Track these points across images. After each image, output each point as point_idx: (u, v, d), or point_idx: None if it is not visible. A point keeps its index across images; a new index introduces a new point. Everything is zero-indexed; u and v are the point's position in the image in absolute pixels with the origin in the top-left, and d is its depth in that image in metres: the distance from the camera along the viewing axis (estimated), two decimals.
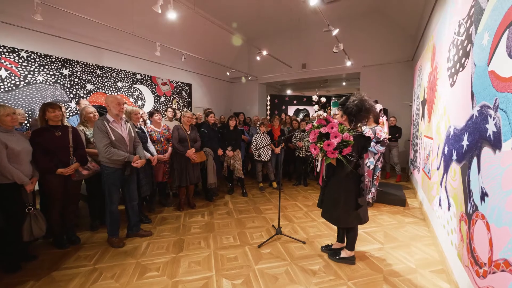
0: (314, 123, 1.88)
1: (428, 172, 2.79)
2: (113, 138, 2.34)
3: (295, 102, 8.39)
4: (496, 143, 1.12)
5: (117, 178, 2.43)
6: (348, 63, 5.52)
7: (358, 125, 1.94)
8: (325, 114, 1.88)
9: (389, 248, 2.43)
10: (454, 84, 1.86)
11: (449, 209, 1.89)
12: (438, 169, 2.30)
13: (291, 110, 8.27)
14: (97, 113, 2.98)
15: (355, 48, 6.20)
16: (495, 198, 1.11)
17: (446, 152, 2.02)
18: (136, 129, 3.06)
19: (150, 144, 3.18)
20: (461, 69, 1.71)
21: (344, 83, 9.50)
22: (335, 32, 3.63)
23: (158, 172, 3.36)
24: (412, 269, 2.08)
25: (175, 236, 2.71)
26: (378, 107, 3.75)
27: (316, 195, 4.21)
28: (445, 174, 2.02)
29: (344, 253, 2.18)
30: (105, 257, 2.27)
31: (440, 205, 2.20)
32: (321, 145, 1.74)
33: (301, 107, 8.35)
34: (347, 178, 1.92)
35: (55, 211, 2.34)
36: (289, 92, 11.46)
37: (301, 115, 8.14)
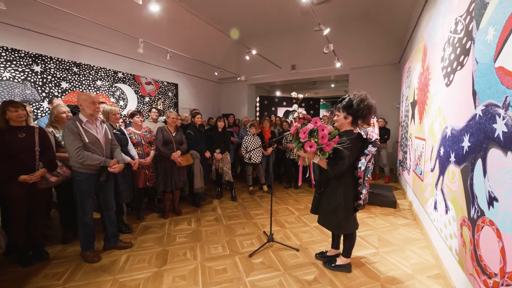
0: (296, 124, 1.76)
1: (421, 174, 2.76)
2: (87, 141, 2.10)
3: (284, 103, 8.32)
4: (507, 144, 1.04)
5: (91, 185, 2.18)
6: (338, 65, 5.52)
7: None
8: (304, 112, 1.77)
9: (384, 253, 2.35)
10: (451, 83, 1.81)
11: (446, 212, 1.83)
12: (432, 170, 2.26)
13: (280, 111, 8.18)
14: (70, 114, 2.70)
15: (344, 50, 6.22)
16: (507, 204, 1.03)
17: (442, 153, 1.97)
18: (114, 131, 2.82)
19: (131, 147, 2.94)
20: (459, 67, 1.66)
21: (332, 85, 9.58)
22: (326, 31, 3.56)
23: (139, 178, 3.12)
24: (409, 275, 2.00)
25: (159, 247, 2.49)
26: None
27: (308, 198, 4.11)
28: (442, 176, 1.96)
29: (340, 261, 2.07)
30: (77, 275, 2.02)
31: (435, 207, 2.15)
32: (317, 140, 1.62)
33: (290, 109, 8.28)
34: (345, 182, 1.81)
35: (18, 225, 2.05)
36: (278, 93, 11.42)
37: (290, 117, 8.09)
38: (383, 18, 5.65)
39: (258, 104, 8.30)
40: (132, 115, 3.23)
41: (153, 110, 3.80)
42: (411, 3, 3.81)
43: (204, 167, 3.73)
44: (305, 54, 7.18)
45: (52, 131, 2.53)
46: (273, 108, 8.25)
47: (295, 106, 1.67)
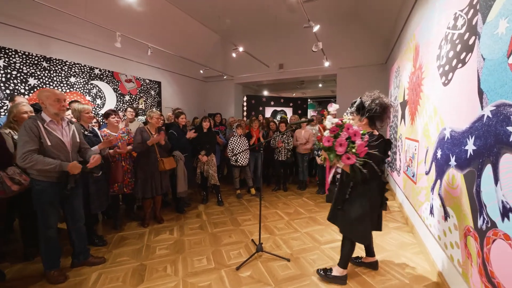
0: (328, 134, 1.55)
1: (413, 176, 2.69)
2: (49, 144, 1.81)
3: (272, 103, 8.18)
4: None
5: (53, 195, 1.89)
6: (326, 64, 5.44)
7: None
8: (335, 120, 1.55)
9: (379, 260, 2.24)
10: (449, 82, 1.72)
11: (446, 219, 1.74)
12: (427, 174, 2.17)
13: (268, 111, 8.04)
14: (33, 114, 2.38)
15: (332, 50, 6.16)
16: None
17: (439, 156, 1.88)
18: (86, 132, 2.53)
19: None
20: (459, 65, 1.56)
21: (320, 85, 9.56)
22: (316, 28, 3.44)
23: (116, 173, 2.78)
24: (406, 285, 1.89)
25: (135, 262, 2.23)
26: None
27: (297, 201, 3.97)
28: (439, 180, 1.87)
29: (336, 271, 1.92)
30: None
31: (431, 212, 2.06)
32: (354, 150, 1.45)
33: (278, 108, 8.17)
34: (370, 188, 1.67)
35: None
36: (265, 93, 11.27)
37: (278, 117, 7.96)
38: (370, 18, 5.64)
39: (245, 104, 8.10)
40: (106, 115, 2.92)
41: (129, 109, 3.48)
42: (399, 2, 3.78)
43: (188, 169, 3.48)
44: (292, 53, 7.06)
45: (10, 132, 2.21)
46: (260, 108, 8.09)
47: (335, 106, 1.45)
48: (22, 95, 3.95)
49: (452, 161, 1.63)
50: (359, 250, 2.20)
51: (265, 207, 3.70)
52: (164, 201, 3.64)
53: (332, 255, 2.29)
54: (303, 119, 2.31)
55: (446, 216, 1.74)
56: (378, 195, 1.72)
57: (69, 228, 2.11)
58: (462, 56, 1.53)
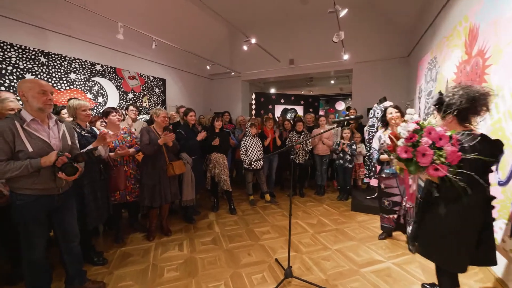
0: (403, 143, 1.18)
1: None
2: (30, 150, 1.45)
3: (282, 101, 7.77)
4: None
5: (40, 210, 1.54)
6: (345, 57, 5.02)
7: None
8: (411, 127, 1.15)
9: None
10: None
11: None
12: (503, 184, 1.75)
13: (278, 110, 7.63)
14: None
15: (347, 43, 5.73)
16: None
17: None
18: (83, 132, 2.17)
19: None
20: None
21: (332, 81, 9.11)
22: (343, 12, 3.02)
23: (118, 180, 2.44)
24: None
25: None
26: (388, 104, 3.24)
27: (317, 208, 3.57)
28: None
29: None
30: None
31: None
32: (444, 158, 1.08)
33: (288, 107, 7.76)
34: (471, 204, 1.24)
35: None
36: (272, 90, 10.86)
37: (288, 115, 7.56)
38: (390, 7, 5.20)
39: (254, 102, 7.71)
40: (106, 113, 2.55)
41: (131, 108, 3.11)
42: None
43: (197, 174, 3.11)
44: (304, 47, 6.65)
45: None
46: (270, 106, 7.69)
47: (411, 110, 1.18)
48: (10, 91, 3.61)
49: None
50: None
51: (283, 216, 3.31)
52: (171, 209, 3.28)
53: (377, 283, 1.89)
54: (349, 117, 1.97)
55: None
56: (481, 213, 1.27)
57: (60, 248, 1.76)
58: None
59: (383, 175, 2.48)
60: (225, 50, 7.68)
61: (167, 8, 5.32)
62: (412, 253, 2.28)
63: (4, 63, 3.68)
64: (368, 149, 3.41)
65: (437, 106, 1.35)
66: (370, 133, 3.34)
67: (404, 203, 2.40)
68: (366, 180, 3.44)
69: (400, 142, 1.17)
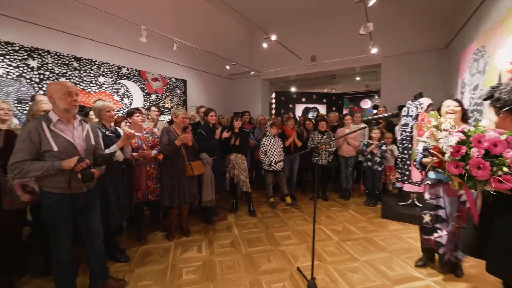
0: (450, 157, 1.03)
1: None
2: (55, 149, 1.48)
3: (303, 99, 7.54)
4: None
5: (65, 209, 1.57)
6: (373, 51, 4.69)
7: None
8: (454, 139, 0.96)
9: None
10: None
11: None
12: None
13: (299, 109, 7.42)
14: None
15: (375, 36, 5.36)
16: None
17: None
18: (108, 133, 2.22)
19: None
20: None
21: (358, 78, 8.65)
22: (372, 1, 2.78)
23: (140, 180, 2.49)
24: None
25: None
26: (426, 101, 2.93)
27: (342, 214, 3.36)
28: None
29: None
30: None
31: None
32: (508, 168, 0.92)
33: (310, 105, 7.51)
34: None
35: None
36: (293, 89, 10.61)
37: (310, 115, 7.31)
38: None
39: (274, 101, 7.58)
40: (130, 113, 2.62)
41: (153, 108, 3.15)
42: None
43: (216, 175, 3.07)
44: (326, 43, 6.36)
45: None
46: (290, 105, 7.50)
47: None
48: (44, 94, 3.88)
49: None
50: None
51: (304, 220, 3.15)
52: (190, 209, 3.28)
53: None
54: (383, 115, 1.79)
55: None
56: None
57: (85, 246, 1.80)
58: None
59: (428, 182, 1.95)
60: (245, 49, 7.63)
61: (187, 9, 5.40)
62: (457, 277, 1.95)
63: (42, 68, 3.97)
64: (400, 150, 3.11)
65: (490, 101, 1.13)
66: (403, 133, 3.04)
67: (450, 222, 1.85)
68: (398, 184, 3.14)
69: (447, 157, 0.99)
